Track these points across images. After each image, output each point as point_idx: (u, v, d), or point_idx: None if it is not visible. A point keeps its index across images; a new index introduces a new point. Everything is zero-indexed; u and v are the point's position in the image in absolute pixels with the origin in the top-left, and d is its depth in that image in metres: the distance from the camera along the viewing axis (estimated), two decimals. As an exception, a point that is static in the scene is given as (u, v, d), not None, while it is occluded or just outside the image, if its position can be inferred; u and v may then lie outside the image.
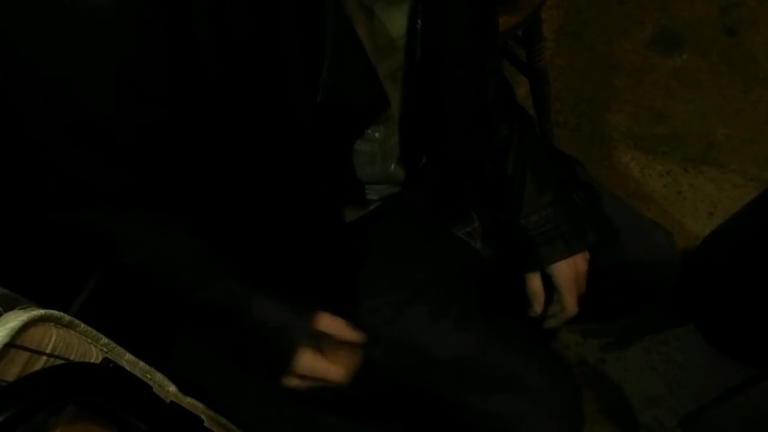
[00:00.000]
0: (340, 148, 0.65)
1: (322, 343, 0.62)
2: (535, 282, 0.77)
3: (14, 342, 0.39)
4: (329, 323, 0.62)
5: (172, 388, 0.59)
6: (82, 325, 0.48)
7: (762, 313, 1.11)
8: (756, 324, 1.15)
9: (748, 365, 1.20)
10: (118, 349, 0.53)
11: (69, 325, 0.46)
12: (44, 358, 0.42)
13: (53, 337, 0.43)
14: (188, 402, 0.61)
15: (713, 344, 1.25)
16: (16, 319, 0.40)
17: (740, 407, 1.01)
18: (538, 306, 0.78)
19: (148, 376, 0.56)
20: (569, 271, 0.74)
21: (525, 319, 0.82)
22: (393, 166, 0.73)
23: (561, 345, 1.27)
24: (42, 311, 0.43)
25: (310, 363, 0.60)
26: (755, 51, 1.72)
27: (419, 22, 0.60)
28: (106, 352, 0.50)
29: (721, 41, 1.75)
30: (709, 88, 1.66)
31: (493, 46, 0.81)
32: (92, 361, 0.48)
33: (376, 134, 0.68)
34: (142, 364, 0.56)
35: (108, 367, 0.49)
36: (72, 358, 0.45)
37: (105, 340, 0.51)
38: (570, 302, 0.75)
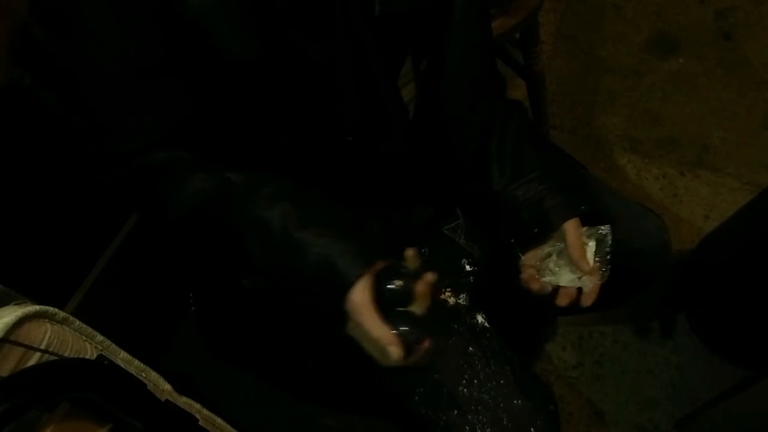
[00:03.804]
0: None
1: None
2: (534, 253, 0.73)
3: (8, 337, 0.39)
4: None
5: (167, 386, 0.59)
6: (77, 322, 0.48)
7: (757, 315, 1.11)
8: (751, 326, 1.15)
9: (743, 367, 1.21)
10: (113, 347, 0.53)
11: (63, 322, 0.46)
12: (38, 354, 0.42)
13: (47, 333, 0.43)
14: (183, 401, 0.61)
15: (709, 347, 1.25)
16: (10, 315, 0.40)
17: (735, 409, 1.01)
18: (533, 281, 0.73)
19: (143, 374, 0.56)
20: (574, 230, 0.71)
21: (514, 325, 0.81)
22: None
23: (558, 348, 1.27)
24: (36, 307, 0.42)
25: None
26: (750, 55, 1.73)
27: None
28: (101, 350, 0.50)
29: (716, 45, 1.75)
30: (705, 91, 1.67)
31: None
32: (87, 358, 0.48)
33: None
34: (137, 362, 0.55)
35: (102, 363, 0.49)
36: (66, 354, 0.45)
37: (100, 337, 0.51)
38: (581, 261, 0.71)
